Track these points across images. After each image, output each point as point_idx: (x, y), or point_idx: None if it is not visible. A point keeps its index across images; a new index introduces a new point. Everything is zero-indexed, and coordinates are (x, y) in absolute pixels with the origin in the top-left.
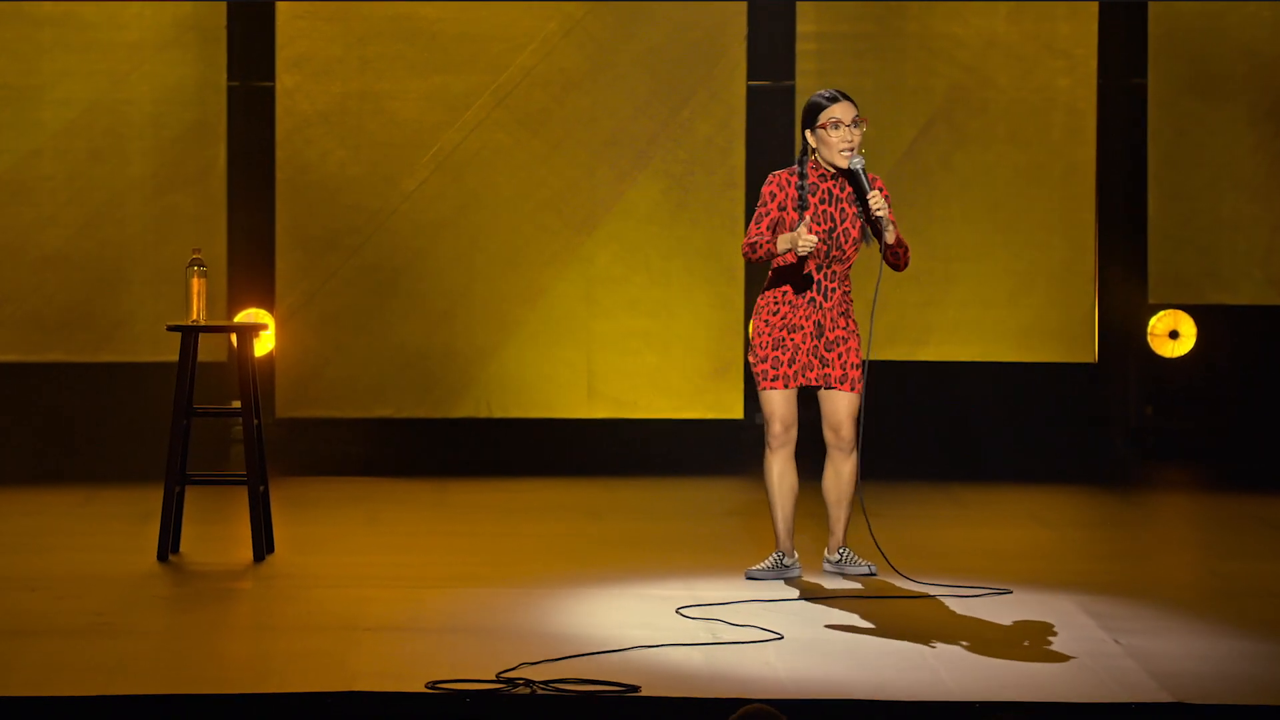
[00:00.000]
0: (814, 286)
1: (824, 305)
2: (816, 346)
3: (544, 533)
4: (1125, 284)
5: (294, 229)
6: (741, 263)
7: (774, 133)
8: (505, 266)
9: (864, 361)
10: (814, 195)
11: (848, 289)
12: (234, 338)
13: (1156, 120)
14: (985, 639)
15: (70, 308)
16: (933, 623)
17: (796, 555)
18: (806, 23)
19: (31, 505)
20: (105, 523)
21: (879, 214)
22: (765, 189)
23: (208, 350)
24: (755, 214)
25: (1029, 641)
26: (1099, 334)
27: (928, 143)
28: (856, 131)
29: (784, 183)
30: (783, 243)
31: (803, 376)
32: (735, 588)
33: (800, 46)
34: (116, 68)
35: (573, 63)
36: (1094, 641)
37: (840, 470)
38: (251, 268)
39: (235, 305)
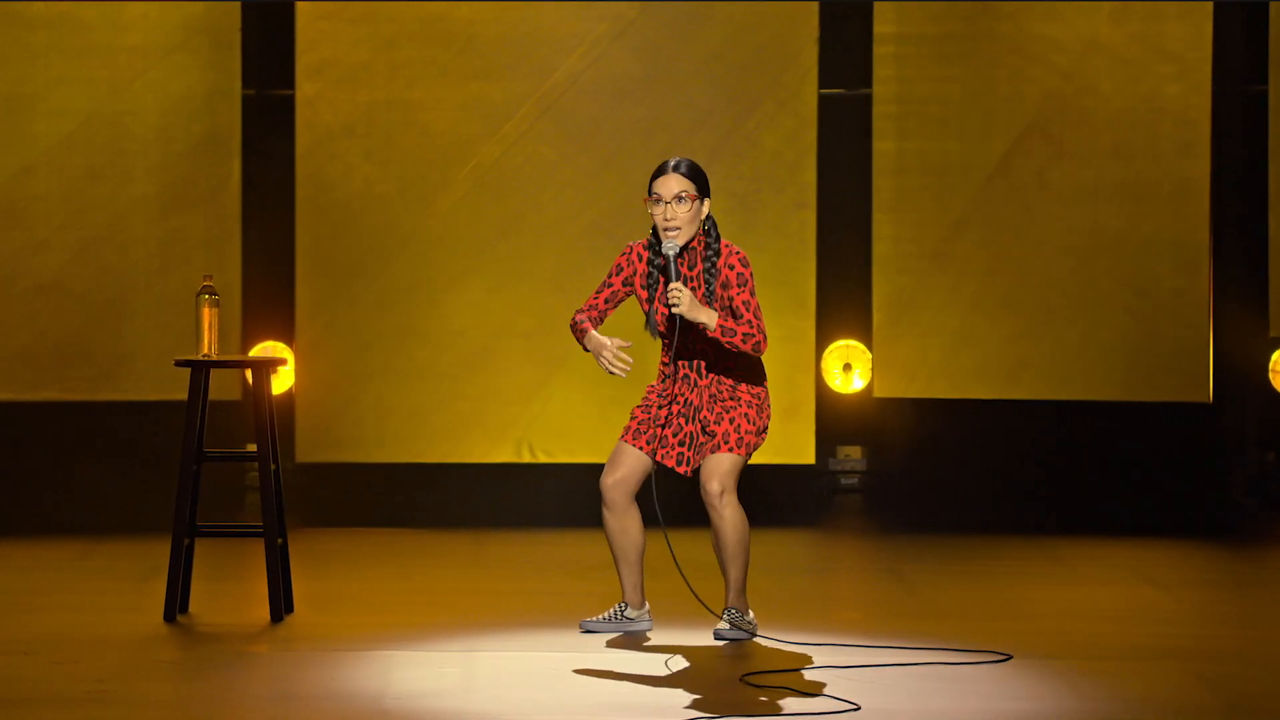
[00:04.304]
0: (688, 360)
1: (699, 383)
2: (685, 426)
3: (593, 590)
4: (1243, 314)
5: (315, 253)
6: (813, 291)
7: (849, 146)
8: (550, 295)
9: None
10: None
11: (731, 366)
12: (249, 374)
13: (1278, 131)
14: (1089, 710)
15: (66, 341)
16: (1025, 691)
17: (648, 608)
18: (885, 23)
19: (25, 560)
20: (106, 579)
21: (674, 308)
22: (617, 258)
23: (220, 388)
24: (600, 283)
25: (1139, 713)
26: (1214, 370)
27: (1021, 157)
28: (680, 208)
29: (635, 256)
30: (590, 343)
31: (664, 450)
32: (806, 652)
33: (878, 50)
34: (118, 75)
35: (625, 69)
36: (1211, 714)
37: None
38: (268, 296)
39: (250, 338)
